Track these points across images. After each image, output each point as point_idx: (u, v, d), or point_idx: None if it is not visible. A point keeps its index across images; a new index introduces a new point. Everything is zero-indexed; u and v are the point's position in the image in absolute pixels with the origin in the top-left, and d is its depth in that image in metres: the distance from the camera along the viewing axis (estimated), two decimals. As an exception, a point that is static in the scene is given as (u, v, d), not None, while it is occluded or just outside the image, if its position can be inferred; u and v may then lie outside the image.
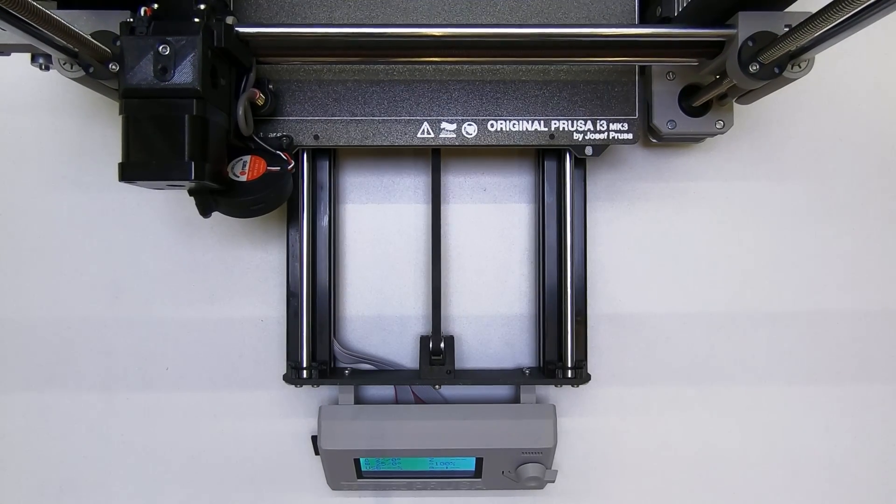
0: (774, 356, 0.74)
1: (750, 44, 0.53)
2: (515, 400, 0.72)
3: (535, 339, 0.73)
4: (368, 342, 0.73)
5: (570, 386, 0.70)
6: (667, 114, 0.66)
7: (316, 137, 0.64)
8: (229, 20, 0.53)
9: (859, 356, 0.74)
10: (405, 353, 0.73)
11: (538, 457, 0.68)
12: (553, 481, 0.69)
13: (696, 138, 0.70)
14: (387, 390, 0.74)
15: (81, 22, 0.52)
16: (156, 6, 0.51)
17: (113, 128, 0.72)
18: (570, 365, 0.68)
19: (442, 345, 0.69)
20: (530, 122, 0.65)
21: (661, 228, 0.74)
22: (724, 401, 0.74)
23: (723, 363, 0.74)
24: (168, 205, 0.73)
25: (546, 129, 0.65)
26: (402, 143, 0.64)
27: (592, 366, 0.72)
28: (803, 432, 0.75)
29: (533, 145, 0.65)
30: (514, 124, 0.65)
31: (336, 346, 0.71)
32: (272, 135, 0.64)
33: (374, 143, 0.64)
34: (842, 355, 0.74)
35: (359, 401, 0.73)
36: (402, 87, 0.64)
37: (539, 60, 0.62)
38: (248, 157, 0.58)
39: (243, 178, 0.58)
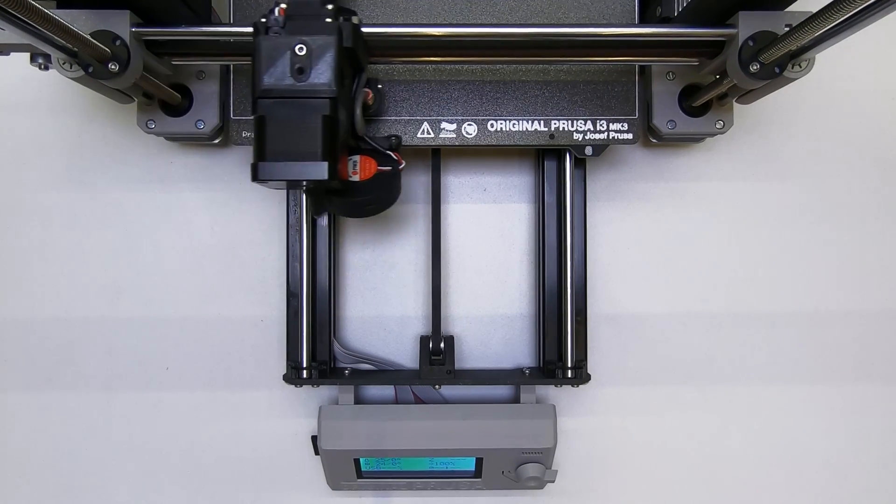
0: (774, 356, 0.74)
1: (750, 43, 0.53)
2: (515, 400, 0.72)
3: (535, 339, 0.73)
4: (368, 342, 0.73)
5: (570, 386, 0.70)
6: (667, 114, 0.66)
7: None
8: (355, 20, 0.52)
9: (859, 356, 0.74)
10: (405, 353, 0.73)
11: (538, 457, 0.68)
12: (553, 481, 0.69)
13: (696, 138, 0.70)
14: (387, 390, 0.74)
15: (81, 22, 0.51)
16: (283, 6, 0.50)
17: (113, 128, 0.73)
18: (570, 365, 0.68)
19: (442, 345, 0.69)
20: (530, 121, 0.65)
21: (661, 228, 0.74)
22: (724, 401, 0.74)
23: (723, 363, 0.74)
24: (168, 205, 0.73)
25: (546, 129, 0.65)
26: (402, 144, 0.64)
27: (592, 366, 0.72)
28: (803, 432, 0.75)
29: (533, 145, 0.65)
30: (514, 124, 0.65)
31: (336, 346, 0.71)
32: (379, 134, 0.63)
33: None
34: (842, 355, 0.74)
35: (359, 401, 0.73)
36: (401, 86, 0.64)
37: (539, 60, 0.62)
38: (357, 157, 0.58)
39: (356, 178, 0.57)
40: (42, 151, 0.73)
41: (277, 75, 0.49)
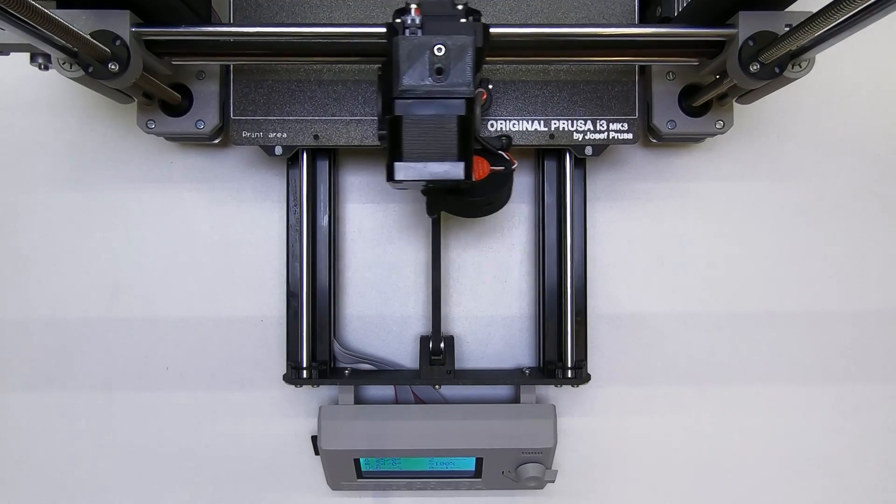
0: (774, 356, 0.74)
1: (750, 43, 0.53)
2: (515, 400, 0.72)
3: (535, 339, 0.73)
4: (368, 342, 0.73)
5: (570, 386, 0.70)
6: (667, 114, 0.66)
7: (316, 137, 0.64)
8: (483, 20, 0.52)
9: (859, 356, 0.74)
10: (405, 353, 0.73)
11: (538, 457, 0.68)
12: (553, 481, 0.69)
13: (696, 138, 0.70)
14: (387, 390, 0.74)
15: (81, 21, 0.51)
16: (416, 6, 0.50)
17: (113, 128, 0.73)
18: (570, 365, 0.68)
19: (442, 345, 0.69)
20: (530, 121, 0.65)
21: (661, 228, 0.74)
22: (724, 401, 0.74)
23: (723, 363, 0.74)
24: (168, 205, 0.73)
25: (546, 129, 0.65)
26: None
27: (592, 366, 0.72)
28: (803, 432, 0.75)
29: (533, 145, 0.65)
30: (514, 124, 0.65)
31: (336, 346, 0.71)
32: (491, 134, 0.63)
33: (375, 144, 0.64)
34: (842, 355, 0.74)
35: (359, 401, 0.73)
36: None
37: (539, 60, 0.62)
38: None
39: (472, 178, 0.57)
40: (42, 151, 0.73)
41: (416, 75, 0.49)
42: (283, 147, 0.65)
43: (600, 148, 0.65)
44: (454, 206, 0.60)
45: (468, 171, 0.50)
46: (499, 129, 0.64)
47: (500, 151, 0.59)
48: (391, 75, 0.50)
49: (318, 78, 0.64)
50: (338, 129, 0.64)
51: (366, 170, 0.73)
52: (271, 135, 0.64)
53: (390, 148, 0.50)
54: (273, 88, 0.64)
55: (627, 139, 0.65)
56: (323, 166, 0.70)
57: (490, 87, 0.63)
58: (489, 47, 0.52)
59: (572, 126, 0.65)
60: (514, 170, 0.60)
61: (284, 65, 0.63)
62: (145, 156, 0.73)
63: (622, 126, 0.65)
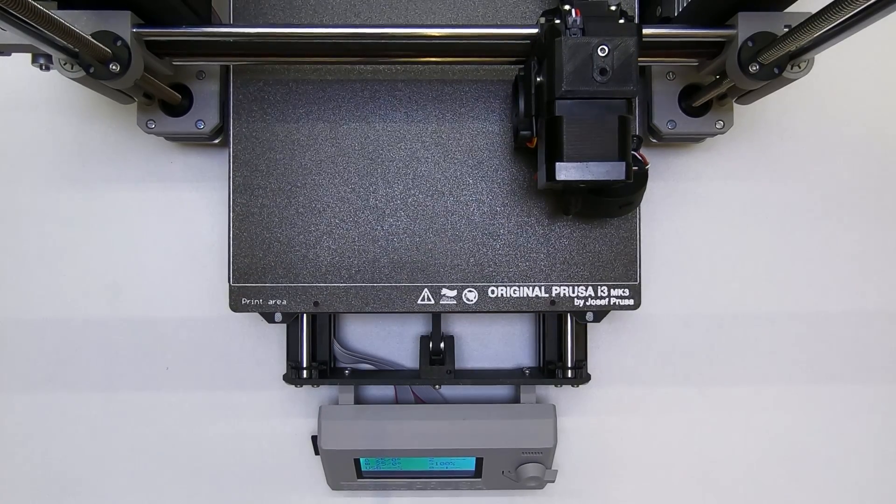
0: (774, 356, 0.74)
1: (750, 44, 0.53)
2: (515, 400, 0.72)
3: (535, 339, 0.73)
4: (368, 342, 0.74)
5: (570, 386, 0.70)
6: (667, 114, 0.66)
7: (316, 304, 0.64)
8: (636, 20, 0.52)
9: (859, 356, 0.74)
10: (405, 353, 0.73)
11: (538, 457, 0.68)
12: (553, 481, 0.69)
13: (696, 138, 0.70)
14: (387, 390, 0.74)
15: (82, 22, 0.51)
16: (576, 7, 0.50)
17: (113, 128, 0.73)
18: (570, 365, 0.69)
19: (442, 345, 0.69)
20: (531, 288, 0.64)
21: (660, 228, 0.74)
22: (724, 401, 0.74)
23: (723, 363, 0.74)
24: (168, 205, 0.73)
25: (547, 295, 0.64)
26: (402, 310, 0.64)
27: (592, 366, 0.72)
28: (803, 432, 0.75)
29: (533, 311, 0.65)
30: (514, 291, 0.64)
31: (336, 346, 0.71)
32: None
33: (374, 310, 0.64)
34: (842, 355, 0.74)
35: (359, 401, 0.73)
36: (402, 250, 0.64)
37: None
38: None
39: None
40: (42, 151, 0.73)
41: (580, 77, 0.49)
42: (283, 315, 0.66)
43: (601, 314, 0.66)
44: (592, 205, 0.60)
45: (629, 170, 0.50)
46: (500, 294, 0.64)
47: (633, 152, 0.59)
48: (551, 76, 0.50)
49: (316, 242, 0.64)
50: (338, 296, 0.63)
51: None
52: (271, 301, 0.64)
53: (549, 149, 0.51)
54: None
55: (629, 305, 0.64)
56: None
57: None
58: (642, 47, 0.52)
59: (573, 292, 0.64)
60: (647, 169, 0.59)
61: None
62: (145, 156, 0.73)
63: (623, 292, 0.64)
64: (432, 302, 0.64)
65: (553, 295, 0.64)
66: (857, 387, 0.75)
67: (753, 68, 0.53)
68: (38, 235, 0.73)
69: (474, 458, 0.68)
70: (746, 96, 0.61)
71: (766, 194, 0.74)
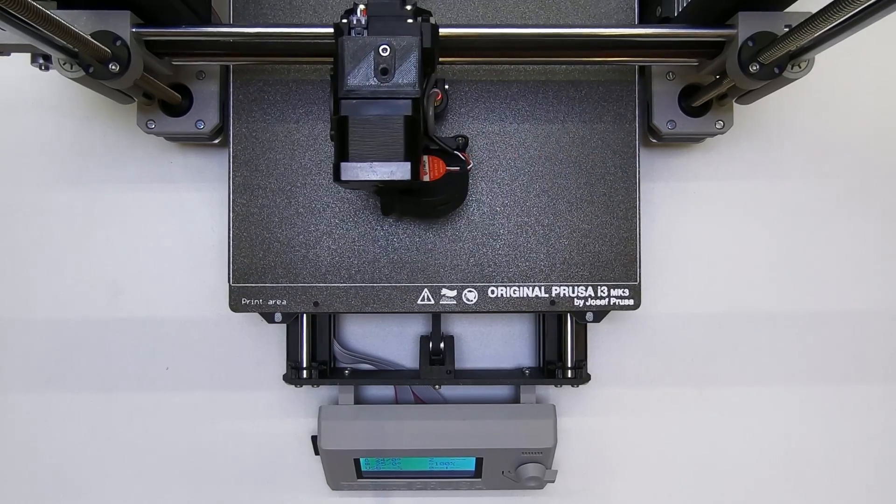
0: (774, 356, 0.74)
1: (750, 44, 0.53)
2: (515, 400, 0.72)
3: (535, 339, 0.73)
4: (368, 342, 0.74)
5: (570, 386, 0.70)
6: (667, 114, 0.66)
7: (316, 304, 0.64)
8: (432, 20, 0.52)
9: (859, 356, 0.74)
10: (405, 353, 0.73)
11: (538, 457, 0.68)
12: (553, 481, 0.69)
13: (696, 138, 0.70)
14: (387, 390, 0.74)
15: (82, 22, 0.52)
16: (363, 6, 0.50)
17: (113, 128, 0.73)
18: (570, 365, 0.69)
19: (442, 345, 0.69)
20: (531, 288, 0.64)
21: (660, 228, 0.74)
22: (724, 401, 0.74)
23: (723, 363, 0.74)
24: (168, 205, 0.73)
25: (547, 296, 0.64)
26: (402, 310, 0.64)
27: (592, 366, 0.72)
28: (803, 432, 0.75)
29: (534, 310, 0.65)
30: (514, 291, 0.64)
31: (336, 346, 0.71)
32: (446, 135, 0.63)
33: (374, 311, 0.64)
34: (842, 355, 0.74)
35: (359, 401, 0.73)
36: (402, 250, 0.64)
37: (540, 61, 0.62)
38: (426, 158, 0.57)
39: (426, 178, 0.57)
40: (42, 151, 0.73)
41: (361, 76, 0.49)
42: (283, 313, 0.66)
43: (601, 315, 0.67)
44: (409, 206, 0.59)
45: (415, 171, 0.49)
46: (500, 294, 0.64)
47: (455, 152, 0.60)
48: (336, 75, 0.49)
49: (316, 242, 0.64)
50: (338, 297, 0.64)
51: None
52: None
53: (337, 148, 0.50)
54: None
55: (629, 305, 0.65)
56: None
57: (447, 87, 0.62)
58: (440, 47, 0.52)
59: (573, 292, 0.65)
60: (469, 170, 0.59)
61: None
62: (145, 156, 0.73)
63: (623, 292, 0.65)
64: (432, 302, 0.64)
65: (553, 295, 0.64)
66: (857, 387, 0.75)
67: (754, 68, 0.53)
68: (38, 235, 0.73)
69: (474, 459, 0.68)
70: (746, 96, 0.61)
71: (766, 194, 0.74)
